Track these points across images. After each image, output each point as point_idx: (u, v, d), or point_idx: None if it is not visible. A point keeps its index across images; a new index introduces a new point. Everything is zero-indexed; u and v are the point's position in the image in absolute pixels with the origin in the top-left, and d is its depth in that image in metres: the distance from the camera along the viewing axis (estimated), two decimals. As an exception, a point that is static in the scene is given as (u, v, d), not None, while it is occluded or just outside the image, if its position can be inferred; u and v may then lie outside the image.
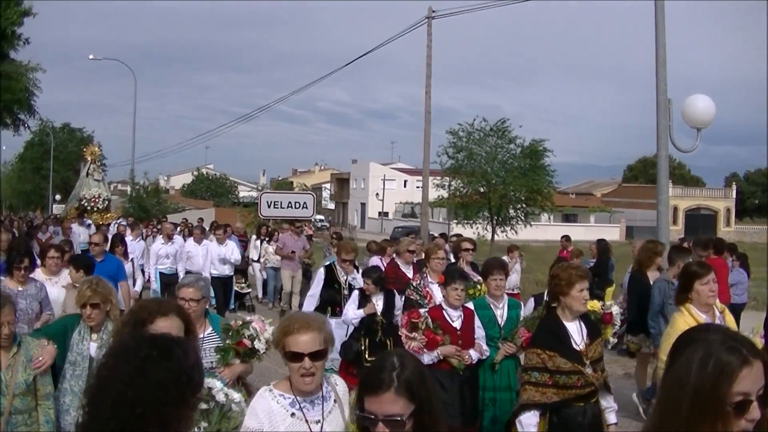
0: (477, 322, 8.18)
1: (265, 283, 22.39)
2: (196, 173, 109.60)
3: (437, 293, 9.31)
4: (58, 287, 10.10)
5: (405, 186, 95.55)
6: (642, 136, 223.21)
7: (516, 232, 43.97)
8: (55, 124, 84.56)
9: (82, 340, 6.47)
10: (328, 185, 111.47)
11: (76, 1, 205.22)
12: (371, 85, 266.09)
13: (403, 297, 9.89)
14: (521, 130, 41.98)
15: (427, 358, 7.65)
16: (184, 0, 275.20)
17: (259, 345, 6.37)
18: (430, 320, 7.91)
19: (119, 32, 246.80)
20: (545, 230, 57.72)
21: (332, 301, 10.92)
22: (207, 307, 10.87)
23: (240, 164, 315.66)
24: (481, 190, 41.28)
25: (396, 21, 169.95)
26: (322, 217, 73.90)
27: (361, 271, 11.30)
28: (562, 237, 20.67)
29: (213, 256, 17.60)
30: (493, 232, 41.99)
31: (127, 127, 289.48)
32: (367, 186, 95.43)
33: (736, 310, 13.97)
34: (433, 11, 30.94)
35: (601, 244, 18.37)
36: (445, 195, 44.26)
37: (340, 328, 9.97)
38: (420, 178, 40.73)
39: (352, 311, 9.77)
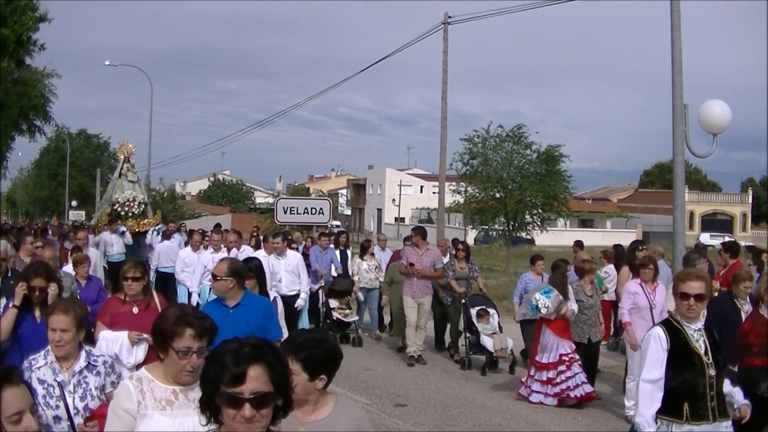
0: None
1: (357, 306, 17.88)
2: (212, 179, 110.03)
3: None
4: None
5: (421, 192, 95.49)
6: (658, 142, 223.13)
7: (532, 238, 43.92)
8: (71, 130, 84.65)
9: None
10: (344, 191, 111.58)
11: (93, 6, 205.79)
12: (392, 91, 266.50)
13: None
14: (537, 135, 41.92)
15: None
16: (203, 5, 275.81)
17: None
18: None
19: (138, 38, 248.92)
20: (561, 235, 57.54)
21: (693, 393, 5.54)
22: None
23: (256, 170, 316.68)
24: (497, 195, 41.16)
25: (421, 27, 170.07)
26: (338, 223, 73.91)
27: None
28: (575, 243, 20.42)
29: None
30: (510, 237, 41.92)
31: (144, 132, 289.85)
32: (384, 192, 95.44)
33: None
34: (450, 17, 30.92)
35: (618, 249, 18.22)
36: (461, 201, 44.12)
37: None
38: (436, 183, 40.68)
39: None
